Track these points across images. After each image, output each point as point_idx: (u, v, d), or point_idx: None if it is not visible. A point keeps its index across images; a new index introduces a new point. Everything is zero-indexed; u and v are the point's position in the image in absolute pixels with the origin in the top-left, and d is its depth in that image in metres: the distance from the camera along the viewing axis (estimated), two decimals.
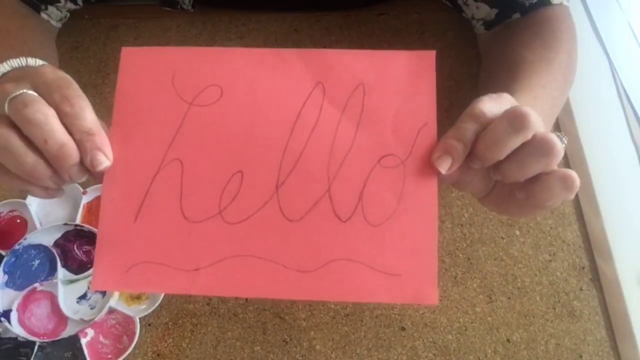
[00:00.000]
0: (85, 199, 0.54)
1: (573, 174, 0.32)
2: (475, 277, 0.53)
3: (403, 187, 0.34)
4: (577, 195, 0.57)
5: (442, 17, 0.66)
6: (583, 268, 0.54)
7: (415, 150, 0.34)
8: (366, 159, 0.35)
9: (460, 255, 0.54)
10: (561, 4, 0.53)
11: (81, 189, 0.54)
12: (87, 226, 0.52)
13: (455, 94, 0.63)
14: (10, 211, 0.54)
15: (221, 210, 0.34)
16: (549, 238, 0.55)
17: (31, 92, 0.32)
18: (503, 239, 0.55)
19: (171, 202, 0.34)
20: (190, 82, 0.36)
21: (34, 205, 0.54)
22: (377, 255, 0.33)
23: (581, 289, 0.53)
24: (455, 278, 0.53)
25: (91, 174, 0.34)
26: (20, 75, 0.34)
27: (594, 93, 0.64)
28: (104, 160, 0.33)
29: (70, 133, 0.32)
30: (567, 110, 0.61)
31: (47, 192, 0.35)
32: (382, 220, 0.34)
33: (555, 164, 0.32)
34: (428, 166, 0.34)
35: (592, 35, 0.68)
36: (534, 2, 0.52)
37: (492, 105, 0.33)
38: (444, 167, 0.33)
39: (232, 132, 0.35)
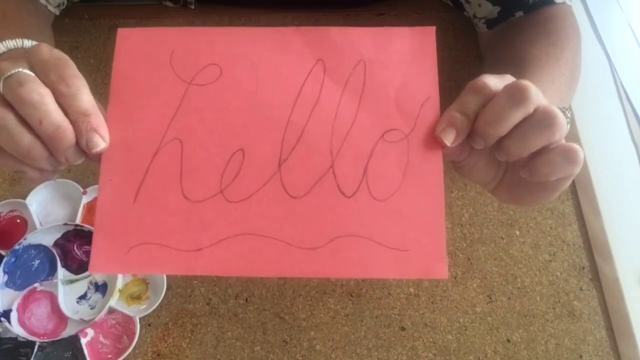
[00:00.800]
0: (85, 199, 0.54)
1: (576, 146, 0.31)
2: (475, 277, 0.53)
3: (408, 161, 0.34)
4: (577, 195, 0.57)
5: (442, 17, 0.66)
6: (583, 268, 0.54)
7: (418, 124, 0.34)
8: (369, 133, 0.34)
9: (460, 255, 0.54)
10: (564, 2, 0.53)
11: (81, 189, 0.54)
12: (87, 226, 0.52)
13: (455, 94, 0.62)
14: (10, 211, 0.54)
15: (223, 189, 0.34)
16: (549, 238, 0.55)
17: (27, 71, 0.31)
18: (503, 239, 0.55)
19: (171, 181, 0.34)
20: (188, 61, 0.35)
21: (34, 205, 0.53)
22: (384, 230, 0.33)
23: (581, 289, 0.53)
24: (455, 278, 0.53)
25: (87, 156, 0.34)
26: (16, 55, 0.33)
27: (594, 93, 0.64)
28: (100, 142, 0.33)
29: (66, 114, 0.32)
30: None
31: (42, 174, 0.35)
32: (387, 195, 0.33)
33: (558, 136, 0.31)
34: (432, 140, 0.34)
35: (592, 35, 0.68)
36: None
37: (495, 80, 0.33)
38: (449, 139, 0.33)
39: (232, 111, 0.35)
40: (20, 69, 0.31)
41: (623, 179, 0.59)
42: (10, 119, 0.31)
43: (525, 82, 0.32)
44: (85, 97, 0.32)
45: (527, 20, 0.54)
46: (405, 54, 0.36)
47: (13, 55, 0.34)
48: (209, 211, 0.33)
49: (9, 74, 0.31)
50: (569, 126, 0.33)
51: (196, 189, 0.34)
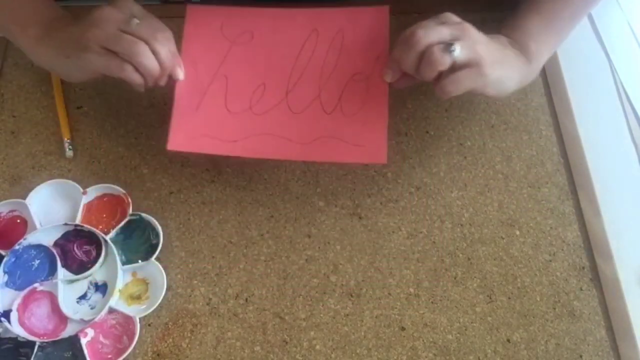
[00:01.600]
0: (85, 199, 0.54)
1: (408, 31, 0.48)
2: (475, 277, 0.53)
3: (367, 93, 0.52)
4: (577, 195, 0.57)
5: None
6: (583, 268, 0.54)
7: (374, 70, 0.52)
8: (344, 75, 0.53)
9: (460, 255, 0.54)
10: None
11: (81, 189, 0.54)
12: (87, 226, 0.52)
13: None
14: (10, 211, 0.54)
15: (251, 106, 0.53)
16: (549, 238, 0.55)
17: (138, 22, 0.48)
18: (503, 239, 0.55)
19: (219, 100, 0.53)
20: (232, 28, 0.55)
21: (34, 205, 0.54)
22: (349, 133, 0.51)
23: (581, 289, 0.53)
24: (455, 278, 0.53)
25: (168, 81, 0.52)
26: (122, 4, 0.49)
27: (594, 93, 0.64)
28: (181, 73, 0.52)
29: (159, 53, 0.48)
30: (567, 110, 0.61)
31: (146, 86, 0.50)
32: (353, 113, 0.52)
33: (438, 69, 0.46)
34: (382, 82, 0.52)
35: (592, 35, 0.68)
36: None
37: (420, 28, 0.47)
38: (388, 79, 0.51)
39: (258, 59, 0.54)
40: (137, 21, 0.47)
41: (623, 179, 0.59)
42: (148, 52, 0.47)
43: (411, 30, 0.47)
44: (173, 44, 0.50)
45: None
46: (368, 25, 0.54)
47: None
48: (242, 119, 0.52)
49: (137, 22, 0.47)
50: (455, 54, 0.46)
51: (234, 105, 0.53)
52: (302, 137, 0.51)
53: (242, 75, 0.53)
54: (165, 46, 0.48)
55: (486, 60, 0.48)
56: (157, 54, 0.48)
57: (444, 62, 0.45)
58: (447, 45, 0.45)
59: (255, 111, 0.52)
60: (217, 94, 0.53)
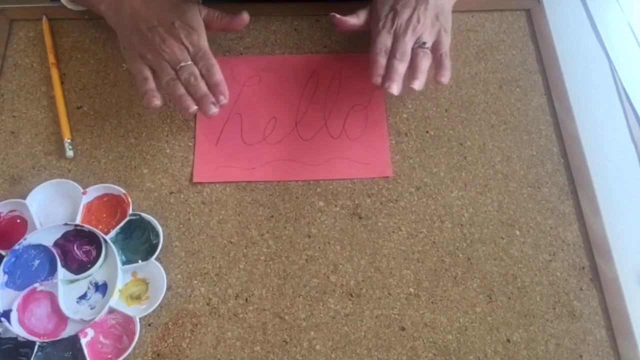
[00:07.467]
0: (85, 199, 0.54)
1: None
2: (475, 277, 0.53)
3: (367, 119, 0.61)
4: (577, 195, 0.57)
5: None
6: (583, 268, 0.54)
7: (371, 100, 0.62)
8: (345, 107, 0.61)
9: (460, 255, 0.54)
10: None
11: (81, 189, 0.54)
12: (87, 226, 0.52)
13: (455, 94, 0.63)
14: (10, 211, 0.54)
15: (265, 137, 0.59)
16: (549, 238, 0.55)
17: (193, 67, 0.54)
18: (503, 239, 0.55)
19: (236, 134, 0.59)
20: (241, 73, 0.63)
21: (34, 205, 0.54)
22: (356, 154, 0.59)
23: (581, 289, 0.53)
24: (455, 278, 0.53)
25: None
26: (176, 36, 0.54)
27: (594, 93, 0.64)
28: (224, 99, 0.54)
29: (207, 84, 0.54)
30: (567, 110, 0.61)
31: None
32: (357, 136, 0.60)
33: (426, 63, 0.54)
34: (380, 109, 0.61)
35: (592, 35, 0.68)
36: None
37: (399, 45, 0.55)
38: (394, 92, 0.53)
39: (268, 98, 0.61)
40: (190, 65, 0.54)
41: (623, 179, 0.59)
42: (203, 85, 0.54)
43: (385, 46, 0.55)
44: (219, 74, 0.55)
45: None
46: (361, 67, 0.59)
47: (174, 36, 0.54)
48: (258, 149, 0.59)
49: (185, 64, 0.54)
50: (427, 46, 0.55)
51: (250, 138, 0.59)
52: (314, 159, 0.58)
53: (254, 112, 0.60)
54: (209, 103, 0.53)
55: (445, 23, 0.57)
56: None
57: (427, 56, 0.55)
58: (420, 45, 0.55)
59: (269, 141, 0.59)
60: (233, 130, 0.59)
